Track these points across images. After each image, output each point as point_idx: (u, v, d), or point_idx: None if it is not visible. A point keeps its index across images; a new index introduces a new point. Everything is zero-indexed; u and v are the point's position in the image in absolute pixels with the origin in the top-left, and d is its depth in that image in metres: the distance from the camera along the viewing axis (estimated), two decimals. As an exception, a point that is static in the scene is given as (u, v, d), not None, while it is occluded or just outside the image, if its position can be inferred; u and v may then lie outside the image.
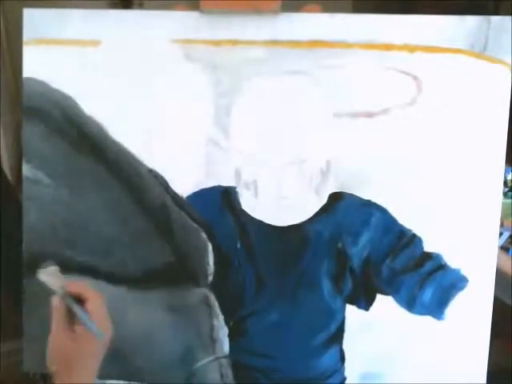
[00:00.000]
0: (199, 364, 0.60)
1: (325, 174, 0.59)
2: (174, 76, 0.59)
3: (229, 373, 0.61)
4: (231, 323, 0.60)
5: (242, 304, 0.60)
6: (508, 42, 0.56)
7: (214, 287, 0.60)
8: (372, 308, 0.60)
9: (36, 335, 0.61)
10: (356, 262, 0.59)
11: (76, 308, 0.47)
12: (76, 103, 0.59)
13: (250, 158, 0.59)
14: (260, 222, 0.59)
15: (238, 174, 0.59)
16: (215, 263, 0.60)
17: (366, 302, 0.60)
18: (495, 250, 0.59)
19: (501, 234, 0.79)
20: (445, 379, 0.61)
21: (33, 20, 0.59)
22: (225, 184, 0.59)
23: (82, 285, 0.49)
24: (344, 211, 0.59)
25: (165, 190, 0.59)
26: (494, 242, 0.59)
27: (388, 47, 0.57)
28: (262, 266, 0.60)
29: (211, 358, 0.60)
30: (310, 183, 0.59)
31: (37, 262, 0.60)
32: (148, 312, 0.60)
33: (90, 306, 0.47)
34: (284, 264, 0.60)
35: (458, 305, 0.59)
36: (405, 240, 0.59)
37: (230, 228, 0.60)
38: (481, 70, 0.57)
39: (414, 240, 0.59)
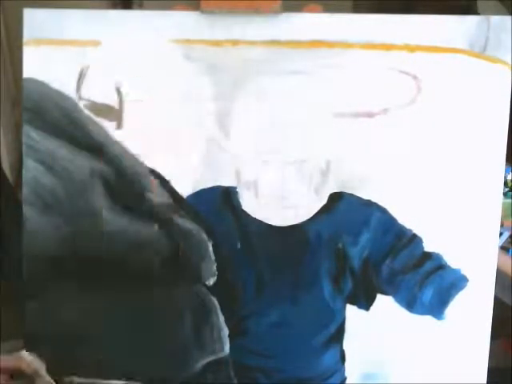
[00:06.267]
0: (199, 364, 0.60)
1: (325, 173, 0.59)
2: (173, 76, 0.59)
3: (229, 373, 0.61)
4: (231, 323, 0.60)
5: (242, 304, 0.60)
6: (508, 41, 0.56)
7: (214, 287, 0.60)
8: (372, 308, 0.60)
9: (36, 335, 0.61)
10: (356, 262, 0.60)
11: None
12: (76, 103, 0.59)
13: (250, 158, 0.59)
14: (260, 222, 0.59)
15: (238, 174, 0.59)
16: (215, 263, 0.60)
17: (366, 302, 0.60)
18: (495, 250, 0.59)
19: (501, 234, 0.79)
20: (445, 379, 0.61)
21: (33, 20, 0.58)
22: (225, 184, 0.59)
23: None
24: (344, 211, 0.59)
25: (165, 190, 0.59)
26: (494, 241, 0.59)
27: (388, 47, 0.57)
28: (263, 266, 0.60)
29: (211, 358, 0.60)
30: (310, 183, 0.59)
31: (37, 262, 0.60)
32: (147, 311, 0.60)
33: None
34: (284, 264, 0.60)
35: (458, 305, 0.59)
36: (405, 240, 0.59)
37: (230, 228, 0.60)
38: (481, 69, 0.57)
39: (414, 240, 0.59)
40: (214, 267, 0.60)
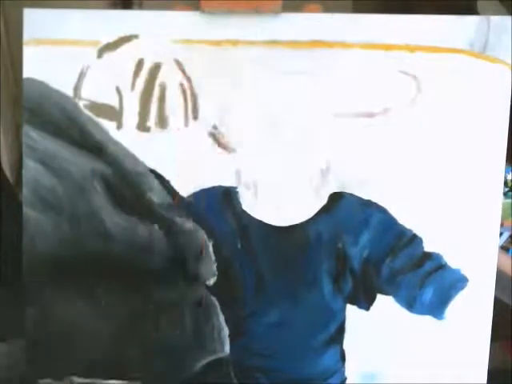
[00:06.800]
0: (199, 364, 0.60)
1: (325, 174, 0.59)
2: (173, 76, 0.59)
3: (229, 373, 0.61)
4: (231, 323, 0.60)
5: (242, 304, 0.60)
6: (508, 41, 0.56)
7: (214, 287, 0.60)
8: (372, 308, 0.60)
9: (36, 335, 0.61)
10: (356, 262, 0.60)
11: None
12: (76, 103, 0.59)
13: (251, 158, 0.59)
14: (260, 222, 0.59)
15: (238, 174, 0.59)
16: (215, 263, 0.60)
17: (366, 302, 0.60)
18: (495, 250, 0.59)
19: (501, 234, 0.79)
20: (445, 379, 0.61)
21: (33, 20, 0.59)
22: (225, 184, 0.59)
23: None
24: (344, 211, 0.59)
25: (165, 190, 0.59)
26: (494, 241, 0.59)
27: (388, 47, 0.57)
28: (263, 266, 0.60)
29: (212, 358, 0.60)
30: (310, 183, 0.59)
31: (37, 262, 0.60)
32: (147, 311, 0.60)
33: None
34: (284, 264, 0.60)
35: (458, 305, 0.59)
36: (405, 240, 0.59)
37: (230, 228, 0.60)
38: (481, 69, 0.57)
39: (414, 240, 0.59)
40: (214, 267, 0.60)
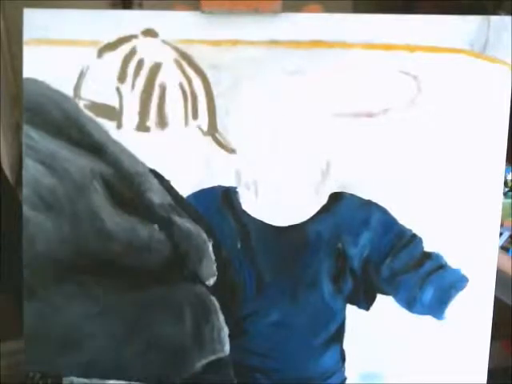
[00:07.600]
0: (199, 364, 0.60)
1: (325, 174, 0.59)
2: (173, 76, 0.59)
3: (229, 373, 0.61)
4: (231, 323, 0.60)
5: (242, 304, 0.60)
6: (508, 41, 0.56)
7: (215, 287, 0.60)
8: (372, 308, 0.60)
9: (36, 335, 0.61)
10: (356, 262, 0.60)
11: None
12: (76, 103, 0.59)
13: (251, 158, 0.59)
14: (260, 222, 0.59)
15: (238, 174, 0.59)
16: (215, 263, 0.60)
17: (366, 302, 0.60)
18: (495, 250, 0.59)
19: (501, 234, 0.79)
20: (445, 379, 0.61)
21: (33, 20, 0.58)
22: (225, 184, 0.59)
23: None
24: (344, 211, 0.59)
25: (165, 190, 0.59)
26: (494, 242, 0.59)
27: (388, 47, 0.57)
28: (263, 266, 0.60)
29: (211, 358, 0.60)
30: (310, 183, 0.59)
31: (37, 262, 0.60)
32: (147, 311, 0.60)
33: None
34: (284, 264, 0.60)
35: (458, 305, 0.59)
36: (405, 240, 0.59)
37: (230, 228, 0.60)
38: (481, 69, 0.57)
39: (413, 240, 0.59)
40: (214, 267, 0.60)
